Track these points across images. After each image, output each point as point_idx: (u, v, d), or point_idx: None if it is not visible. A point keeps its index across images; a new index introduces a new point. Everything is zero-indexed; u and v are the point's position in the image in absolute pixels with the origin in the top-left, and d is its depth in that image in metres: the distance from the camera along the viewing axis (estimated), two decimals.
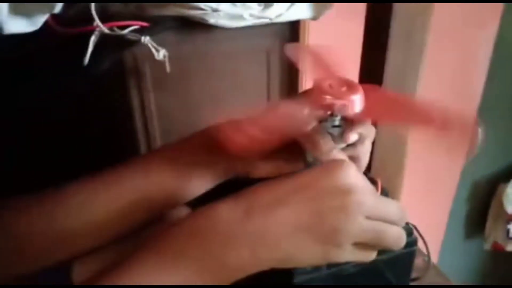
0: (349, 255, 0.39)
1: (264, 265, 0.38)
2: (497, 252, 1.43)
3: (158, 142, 0.69)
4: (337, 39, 0.71)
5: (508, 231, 1.36)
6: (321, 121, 0.46)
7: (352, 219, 0.37)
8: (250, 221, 0.36)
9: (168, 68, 0.61)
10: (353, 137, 0.45)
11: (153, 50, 0.58)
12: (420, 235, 0.59)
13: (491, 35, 1.01)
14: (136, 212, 0.48)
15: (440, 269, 0.75)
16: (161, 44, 0.61)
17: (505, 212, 1.34)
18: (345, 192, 0.37)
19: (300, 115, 0.44)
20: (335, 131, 0.46)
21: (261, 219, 0.36)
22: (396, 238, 0.40)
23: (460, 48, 0.94)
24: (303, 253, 0.38)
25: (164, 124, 0.68)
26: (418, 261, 0.69)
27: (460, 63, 0.97)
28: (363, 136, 0.46)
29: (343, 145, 0.46)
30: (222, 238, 0.36)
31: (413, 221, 1.12)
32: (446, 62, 0.93)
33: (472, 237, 1.48)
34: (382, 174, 0.71)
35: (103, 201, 0.47)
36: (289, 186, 0.38)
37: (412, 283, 0.68)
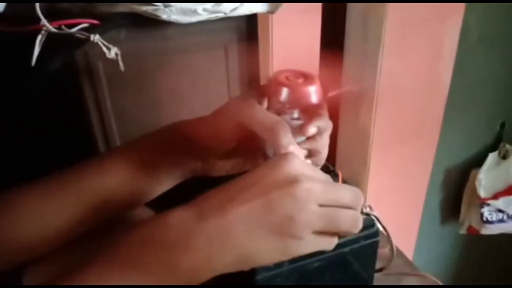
0: (309, 245, 0.39)
1: (221, 268, 0.37)
2: (472, 235, 1.45)
3: (117, 142, 0.68)
4: (301, 34, 0.71)
5: (482, 215, 1.38)
6: (280, 114, 0.46)
7: (303, 207, 0.37)
8: (202, 224, 0.36)
9: (122, 67, 0.60)
10: (312, 130, 0.45)
11: (104, 49, 0.57)
12: (382, 225, 0.59)
13: (456, 26, 1.02)
14: (93, 215, 0.47)
15: (409, 259, 0.76)
16: (114, 42, 0.59)
17: (478, 197, 1.36)
18: (292, 181, 0.37)
19: (258, 109, 0.44)
20: (294, 124, 0.46)
21: (213, 221, 0.36)
22: (352, 221, 0.41)
23: (426, 41, 0.94)
24: (261, 249, 0.38)
25: (122, 123, 0.66)
26: (385, 251, 0.69)
27: (427, 55, 0.97)
28: (321, 129, 0.46)
29: (302, 138, 0.46)
30: (173, 244, 0.36)
31: (387, 211, 1.13)
32: (413, 55, 0.94)
33: (448, 223, 1.50)
34: (346, 167, 0.71)
35: (59, 206, 0.46)
36: (238, 185, 0.38)
37: (378, 273, 0.68)
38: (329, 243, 0.41)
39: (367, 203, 1.01)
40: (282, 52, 0.70)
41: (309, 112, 0.45)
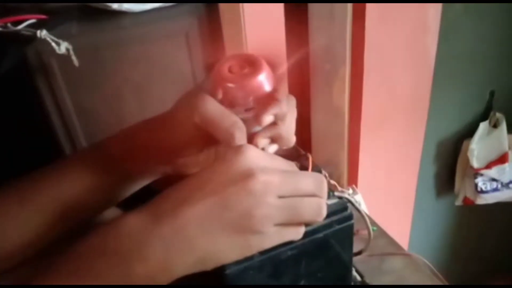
0: (273, 238, 0.38)
1: (181, 271, 0.36)
2: (468, 206, 1.45)
3: (81, 140, 0.65)
4: (268, 15, 0.68)
5: (476, 185, 1.37)
6: (234, 106, 0.42)
7: (261, 201, 0.35)
8: (156, 229, 0.35)
9: (75, 62, 0.57)
10: (267, 119, 0.41)
11: (53, 44, 0.54)
12: (356, 207, 0.57)
13: None
14: (56, 225, 0.45)
15: (393, 239, 0.74)
16: (66, 36, 0.57)
17: (471, 168, 1.35)
18: (247, 175, 0.35)
19: (211, 108, 0.40)
20: (249, 114, 0.43)
21: (167, 224, 0.35)
22: (314, 209, 0.39)
23: (410, 14, 0.92)
24: (222, 248, 0.36)
25: (85, 121, 0.64)
26: (365, 233, 0.68)
27: (411, 27, 0.94)
28: (281, 114, 0.42)
29: (259, 128, 0.43)
30: (126, 252, 0.35)
31: (381, 189, 1.12)
32: (397, 28, 0.91)
33: (443, 195, 1.49)
34: (323, 150, 0.69)
35: (19, 220, 0.44)
36: (191, 185, 0.37)
37: (361, 255, 0.67)
38: (296, 233, 0.40)
39: (359, 182, 1.00)
40: (252, 30, 0.67)
41: (263, 100, 0.42)
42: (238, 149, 0.37)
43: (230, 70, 0.41)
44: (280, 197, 0.36)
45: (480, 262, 1.69)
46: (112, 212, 0.52)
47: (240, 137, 0.40)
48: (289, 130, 0.44)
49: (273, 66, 0.43)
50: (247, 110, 0.42)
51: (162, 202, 0.36)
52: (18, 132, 0.61)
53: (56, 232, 0.46)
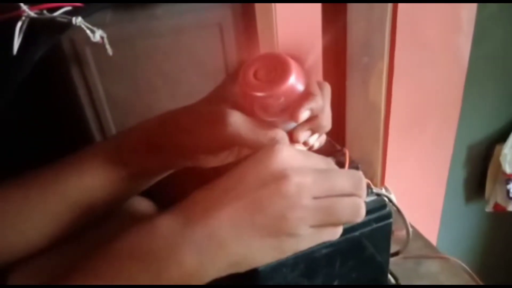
0: (309, 240, 0.37)
1: (214, 274, 0.35)
2: (499, 213, 1.41)
3: (113, 131, 0.65)
4: (303, 6, 0.67)
5: (508, 192, 1.34)
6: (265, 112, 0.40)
7: (295, 204, 0.34)
8: (189, 232, 0.34)
9: (109, 51, 0.57)
10: (303, 115, 0.39)
11: (88, 32, 0.54)
12: (396, 206, 0.55)
13: None
14: (74, 216, 0.45)
15: (429, 241, 0.71)
16: (99, 25, 0.56)
17: (503, 173, 1.32)
18: (279, 177, 0.34)
19: (241, 128, 0.38)
20: (285, 115, 0.40)
21: (199, 228, 0.34)
22: (352, 209, 0.37)
23: (443, 13, 0.89)
24: (256, 251, 0.35)
25: (116, 111, 0.64)
26: (402, 234, 0.65)
27: (444, 27, 0.92)
28: (318, 107, 0.40)
29: (294, 124, 0.41)
30: (161, 254, 0.34)
31: (409, 192, 1.09)
32: (430, 27, 0.89)
33: (473, 201, 1.45)
34: (357, 146, 0.67)
35: (39, 209, 0.44)
36: (222, 186, 0.36)
37: (396, 257, 0.64)
38: (333, 234, 0.38)
39: (386, 183, 0.97)
40: (285, 23, 0.65)
41: (297, 98, 0.39)
42: (271, 149, 0.36)
43: (256, 76, 0.39)
44: (316, 197, 0.35)
45: (511, 270, 1.64)
46: (136, 201, 0.52)
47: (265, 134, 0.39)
48: (327, 117, 0.43)
49: (302, 60, 0.41)
50: (282, 110, 0.40)
51: (193, 204, 0.36)
52: (49, 120, 0.61)
53: (76, 223, 0.45)
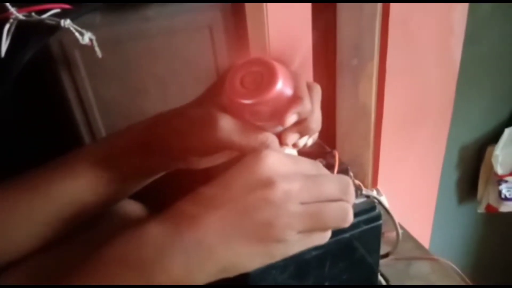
0: (298, 245, 0.37)
1: (203, 280, 0.35)
2: (491, 214, 1.41)
3: (102, 134, 0.64)
4: (293, 7, 0.67)
5: (500, 192, 1.34)
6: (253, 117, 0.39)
7: (282, 210, 0.34)
8: (177, 239, 0.34)
9: (99, 53, 0.56)
10: (290, 120, 0.39)
11: (77, 34, 0.53)
12: (385, 208, 0.55)
13: None
14: (65, 219, 0.44)
15: (420, 242, 0.71)
16: (89, 27, 0.56)
17: (495, 174, 1.32)
18: (266, 184, 0.34)
19: (229, 131, 0.38)
20: (273, 119, 0.39)
21: (187, 235, 0.34)
22: (339, 215, 0.37)
23: (434, 14, 0.89)
24: (244, 257, 0.35)
25: (106, 114, 0.63)
26: (392, 235, 0.66)
27: (436, 29, 0.92)
28: (306, 111, 0.40)
29: (280, 128, 0.41)
30: (149, 263, 0.34)
31: (401, 193, 1.09)
32: (422, 29, 0.89)
33: (465, 202, 1.46)
34: (348, 149, 0.67)
35: (27, 213, 0.43)
36: (209, 192, 0.36)
37: (386, 259, 0.64)
38: (321, 238, 0.38)
39: (378, 185, 0.97)
40: (276, 25, 0.65)
41: (285, 103, 0.39)
42: (258, 155, 0.35)
43: (242, 83, 0.38)
44: (303, 203, 0.35)
45: (503, 271, 1.65)
46: (126, 204, 0.51)
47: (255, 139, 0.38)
48: (317, 119, 0.42)
49: (289, 62, 0.41)
50: (270, 115, 0.39)
51: (181, 211, 0.35)
52: (38, 123, 0.61)
53: (66, 226, 0.45)
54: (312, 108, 0.40)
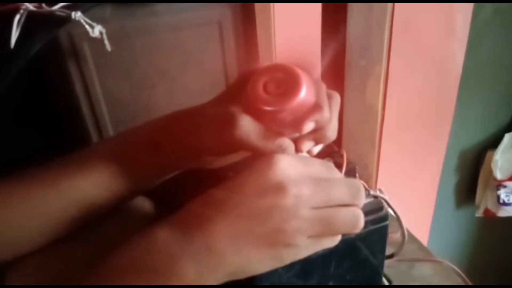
0: (308, 249, 0.37)
1: (213, 282, 0.35)
2: (489, 218, 1.42)
3: (109, 128, 0.64)
4: (302, 8, 0.67)
5: (498, 197, 1.34)
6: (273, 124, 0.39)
7: (293, 215, 0.34)
8: (188, 243, 0.34)
9: (108, 47, 0.56)
10: (308, 126, 0.39)
11: (87, 27, 0.53)
12: (392, 208, 0.55)
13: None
14: (76, 215, 0.44)
15: (423, 244, 0.72)
16: (99, 20, 0.56)
17: (494, 179, 1.32)
18: (277, 189, 0.34)
19: (248, 135, 0.38)
20: (292, 126, 0.39)
21: (197, 240, 0.34)
22: (350, 221, 0.37)
23: (438, 19, 0.90)
24: (253, 261, 0.35)
25: (113, 108, 0.63)
26: (396, 236, 0.66)
27: (439, 32, 0.92)
28: (324, 119, 0.40)
29: (296, 134, 0.40)
30: (159, 269, 0.34)
31: (400, 195, 1.09)
32: (423, 33, 0.90)
33: (463, 206, 1.46)
34: (353, 149, 0.68)
35: (40, 207, 0.43)
36: (219, 196, 0.35)
37: (389, 260, 0.64)
38: (331, 242, 0.38)
39: (378, 186, 0.98)
40: (284, 23, 0.65)
41: (306, 110, 0.39)
42: (269, 159, 0.35)
43: (265, 89, 0.38)
44: (314, 208, 0.35)
45: (500, 275, 1.65)
46: (138, 201, 0.51)
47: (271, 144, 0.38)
48: (334, 128, 0.42)
49: (311, 70, 0.41)
50: (290, 122, 0.39)
51: (191, 215, 0.35)
52: (44, 116, 0.60)
53: (78, 222, 0.45)
54: (330, 117, 0.40)
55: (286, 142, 0.39)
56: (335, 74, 0.65)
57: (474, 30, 1.02)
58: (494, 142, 1.32)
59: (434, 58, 0.99)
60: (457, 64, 1.06)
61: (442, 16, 0.91)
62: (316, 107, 0.38)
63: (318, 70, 0.59)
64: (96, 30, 0.54)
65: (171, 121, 0.43)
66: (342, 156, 0.54)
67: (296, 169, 0.36)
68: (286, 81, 0.37)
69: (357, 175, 0.54)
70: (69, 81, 0.60)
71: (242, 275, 0.36)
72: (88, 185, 0.43)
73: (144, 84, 0.64)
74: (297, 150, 0.40)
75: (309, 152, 0.43)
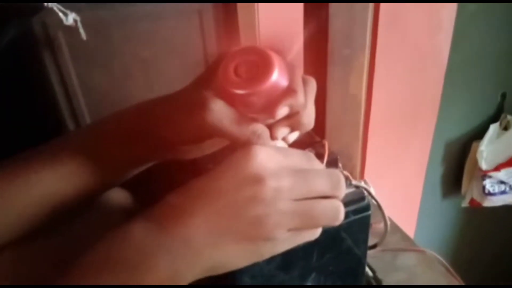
0: (287, 243, 0.36)
1: (190, 279, 0.34)
2: (475, 208, 1.43)
3: (86, 119, 0.63)
4: None
5: (484, 188, 1.35)
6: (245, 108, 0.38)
7: (272, 208, 0.33)
8: (164, 238, 0.33)
9: (83, 35, 0.54)
10: (282, 111, 0.38)
11: (61, 14, 0.51)
12: (374, 199, 0.55)
13: None
14: (46, 209, 0.42)
15: (406, 234, 0.72)
16: (74, 9, 0.54)
17: (479, 169, 1.33)
18: (255, 181, 0.33)
19: (221, 119, 0.37)
20: (265, 111, 0.38)
21: (173, 235, 0.33)
22: (330, 213, 0.36)
23: (424, 12, 0.89)
24: (232, 256, 0.34)
25: (91, 98, 0.61)
26: (380, 227, 0.65)
27: (425, 24, 0.92)
28: (298, 104, 0.38)
29: (271, 120, 0.39)
30: (134, 265, 0.32)
31: (387, 186, 1.10)
32: (409, 27, 0.89)
33: (449, 196, 1.48)
34: (337, 139, 0.67)
35: (4, 201, 0.41)
36: (196, 190, 0.34)
37: (373, 250, 0.64)
38: (311, 235, 0.37)
39: (364, 177, 0.97)
40: (266, 11, 0.64)
41: (279, 95, 0.37)
42: (248, 151, 0.34)
43: (236, 72, 0.37)
44: (293, 200, 0.34)
45: (485, 263, 1.67)
46: (113, 193, 0.50)
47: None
48: (310, 115, 0.41)
49: (284, 53, 0.39)
50: (263, 106, 0.38)
51: (168, 210, 0.34)
52: (20, 106, 0.59)
53: (47, 217, 0.43)
54: (305, 102, 0.39)
55: (260, 128, 0.37)
56: (318, 64, 0.64)
57: (459, 24, 1.02)
58: (479, 133, 1.33)
59: (421, 50, 0.98)
60: (443, 56, 1.06)
61: (428, 10, 0.90)
62: (289, 91, 0.37)
63: (300, 58, 0.58)
64: (70, 18, 0.52)
65: (142, 109, 0.41)
66: (323, 146, 0.53)
67: (275, 160, 0.34)
68: (258, 64, 0.36)
69: (340, 165, 0.54)
70: (44, 71, 0.58)
71: (220, 270, 0.35)
72: (56, 177, 0.41)
73: (123, 74, 0.62)
74: (272, 136, 0.39)
75: (284, 139, 0.42)
